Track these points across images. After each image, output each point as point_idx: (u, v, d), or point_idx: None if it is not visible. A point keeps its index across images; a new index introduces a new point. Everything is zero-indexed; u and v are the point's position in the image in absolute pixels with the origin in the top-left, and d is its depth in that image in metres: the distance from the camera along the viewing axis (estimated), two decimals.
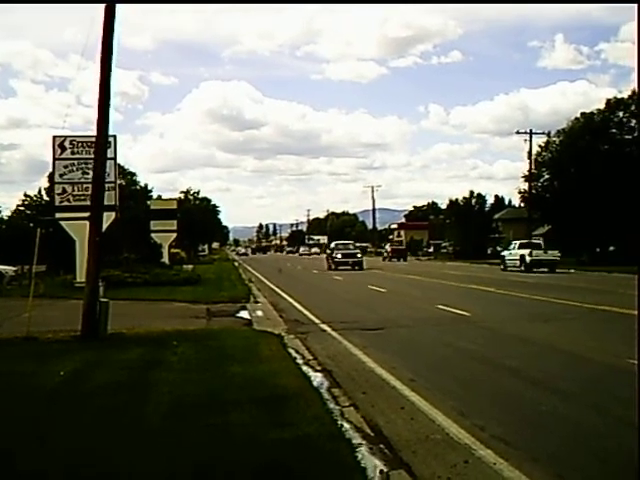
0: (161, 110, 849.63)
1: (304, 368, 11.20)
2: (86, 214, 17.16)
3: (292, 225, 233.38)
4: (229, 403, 8.41)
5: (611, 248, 59.31)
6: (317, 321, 18.17)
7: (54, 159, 29.79)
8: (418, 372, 10.82)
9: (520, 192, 64.85)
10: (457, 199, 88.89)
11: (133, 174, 65.76)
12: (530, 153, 62.44)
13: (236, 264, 73.49)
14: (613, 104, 58.10)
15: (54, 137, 29.85)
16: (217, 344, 13.51)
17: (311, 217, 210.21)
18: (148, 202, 59.88)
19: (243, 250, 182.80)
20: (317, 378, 10.42)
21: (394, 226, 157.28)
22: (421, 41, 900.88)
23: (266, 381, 9.76)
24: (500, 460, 6.42)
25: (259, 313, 20.50)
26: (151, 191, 69.73)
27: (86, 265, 15.31)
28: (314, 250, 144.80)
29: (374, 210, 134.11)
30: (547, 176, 62.55)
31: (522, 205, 71.36)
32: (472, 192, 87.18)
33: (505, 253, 53.04)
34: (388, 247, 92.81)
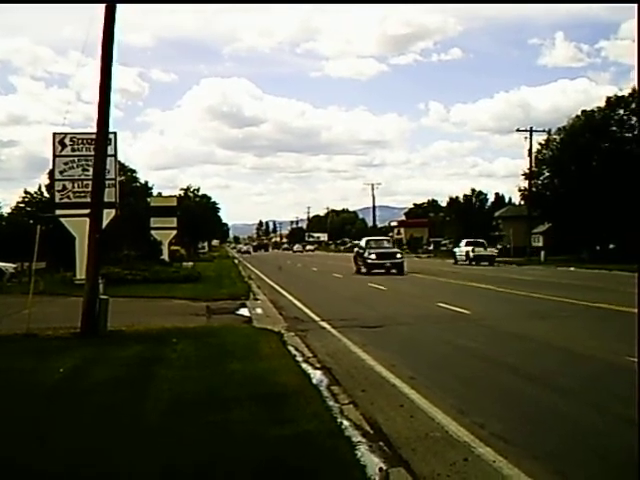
0: (161, 107, 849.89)
1: (304, 365, 11.20)
2: (86, 211, 17.17)
3: (292, 222, 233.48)
4: (229, 400, 8.41)
5: (611, 246, 59.35)
6: (317, 319, 18.18)
7: (54, 156, 29.78)
8: (418, 370, 10.83)
9: (520, 190, 64.89)
10: (457, 197, 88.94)
11: (133, 171, 65.76)
12: (530, 151, 62.48)
13: (236, 261, 73.46)
14: (613, 102, 58.05)
15: (54, 134, 29.84)
16: (217, 341, 13.52)
17: (311, 214, 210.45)
18: (148, 199, 59.86)
19: (245, 247, 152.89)
20: (317, 376, 10.43)
21: (394, 224, 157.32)
22: (421, 38, 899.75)
23: (266, 378, 9.76)
24: (499, 458, 6.42)
25: (259, 311, 20.50)
26: (151, 188, 69.78)
27: (86, 262, 15.33)
28: (308, 248, 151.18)
29: (374, 207, 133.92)
30: (547, 174, 62.52)
31: (522, 203, 71.33)
32: (474, 190, 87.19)
33: (456, 249, 63.52)
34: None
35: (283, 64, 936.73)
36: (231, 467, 6.11)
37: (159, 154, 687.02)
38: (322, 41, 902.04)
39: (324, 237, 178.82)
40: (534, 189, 62.15)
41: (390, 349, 13.03)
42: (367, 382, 10.01)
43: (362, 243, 45.66)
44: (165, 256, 49.02)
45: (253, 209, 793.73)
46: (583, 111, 60.45)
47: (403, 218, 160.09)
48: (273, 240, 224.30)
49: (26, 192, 54.34)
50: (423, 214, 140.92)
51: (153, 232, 51.25)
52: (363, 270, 41.56)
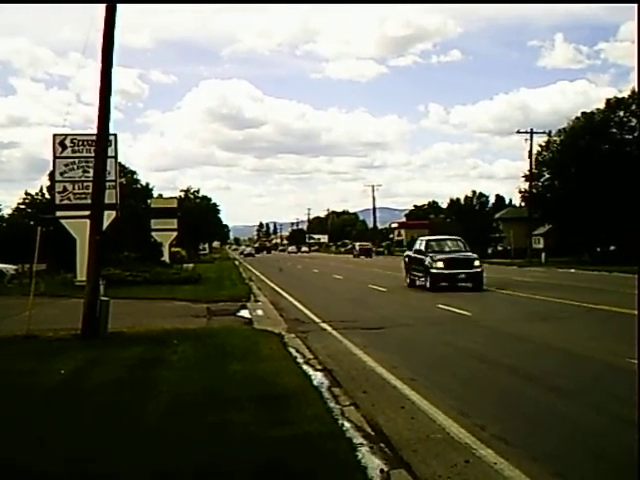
0: (161, 108, 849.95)
1: (304, 367, 11.20)
2: (87, 212, 17.17)
3: (293, 224, 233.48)
4: (229, 402, 8.42)
5: (612, 247, 59.32)
6: (317, 320, 18.18)
7: (55, 157, 29.81)
8: (418, 371, 10.83)
9: (521, 192, 64.84)
10: (458, 198, 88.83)
11: (133, 172, 65.77)
12: (531, 153, 62.42)
13: (236, 263, 73.46)
14: (613, 104, 58.04)
15: (55, 135, 29.87)
16: (217, 343, 13.52)
17: (311, 216, 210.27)
18: (149, 201, 59.88)
19: (248, 249, 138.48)
20: (317, 377, 10.42)
21: (395, 225, 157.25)
22: (421, 40, 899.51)
23: (266, 380, 9.76)
24: (500, 459, 6.42)
25: (259, 312, 20.51)
26: (152, 190, 69.78)
27: (86, 264, 15.33)
28: (304, 249, 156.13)
29: (374, 209, 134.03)
30: (548, 176, 62.48)
31: (523, 204, 71.29)
32: (474, 191, 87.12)
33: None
34: (357, 246, 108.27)
35: (283, 66, 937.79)
36: (231, 468, 6.12)
37: (159, 155, 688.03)
38: (321, 43, 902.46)
39: (324, 239, 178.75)
40: (534, 191, 62.12)
41: (391, 351, 13.03)
42: (368, 384, 10.01)
43: (419, 245, 31.64)
44: (166, 257, 49.03)
45: (253, 211, 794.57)
46: (583, 113, 60.44)
47: (404, 220, 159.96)
48: (274, 242, 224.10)
49: (27, 194, 54.34)
50: (423, 216, 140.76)
51: (154, 234, 51.26)
52: (421, 283, 29.38)
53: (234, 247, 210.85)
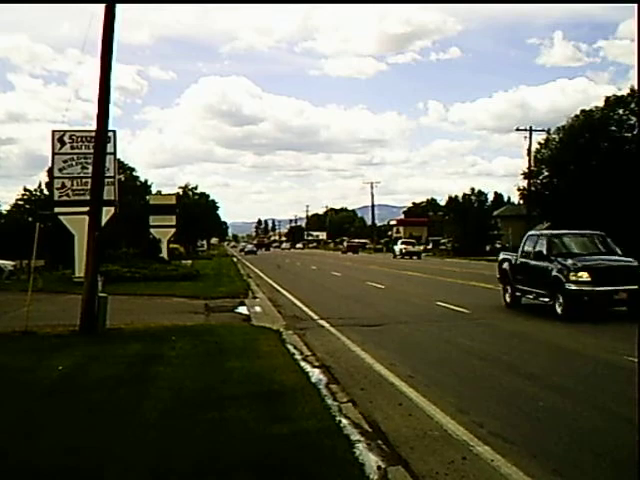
0: (160, 105, 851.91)
1: (302, 364, 11.20)
2: (85, 209, 17.15)
3: (291, 221, 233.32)
4: (227, 398, 8.42)
5: None
6: (315, 317, 18.18)
7: (53, 154, 29.79)
8: (416, 368, 10.84)
9: (519, 189, 64.81)
10: (456, 196, 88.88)
11: (132, 169, 65.78)
12: (530, 150, 62.40)
13: (235, 260, 73.44)
14: (612, 101, 58.01)
15: (53, 131, 29.85)
16: (215, 339, 13.51)
17: (310, 213, 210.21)
18: (147, 197, 59.85)
19: (250, 247, 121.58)
20: (315, 374, 10.43)
21: (393, 222, 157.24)
22: (420, 37, 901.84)
23: (264, 376, 9.77)
24: (498, 457, 6.43)
25: (258, 309, 20.50)
26: (150, 186, 69.81)
27: (85, 260, 15.32)
28: (298, 246, 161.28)
29: (373, 206, 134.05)
30: (547, 173, 62.46)
31: (521, 202, 71.29)
32: (473, 189, 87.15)
33: (395, 247, 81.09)
34: (345, 243, 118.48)
35: (282, 63, 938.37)
36: (230, 465, 6.12)
37: (158, 152, 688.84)
38: (321, 40, 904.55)
39: (323, 236, 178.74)
40: (533, 188, 62.12)
41: (389, 348, 13.04)
42: (366, 380, 10.02)
43: (535, 243, 19.50)
44: (164, 254, 48.97)
45: (252, 207, 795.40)
46: (582, 111, 60.41)
47: (402, 217, 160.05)
48: (272, 238, 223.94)
49: (25, 190, 54.40)
50: (422, 213, 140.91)
51: (152, 230, 51.25)
52: (539, 303, 18.56)
53: (233, 244, 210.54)
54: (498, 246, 79.11)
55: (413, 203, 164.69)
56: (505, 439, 6.98)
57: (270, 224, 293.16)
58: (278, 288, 29.47)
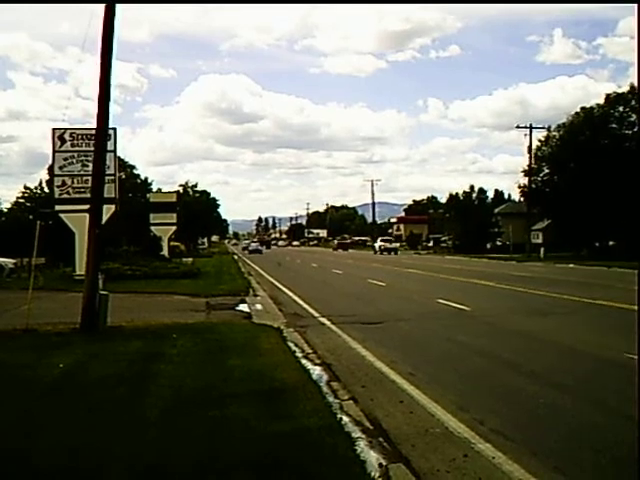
0: (160, 103, 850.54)
1: (303, 361, 11.20)
2: (86, 206, 17.16)
3: (292, 218, 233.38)
4: (228, 396, 8.41)
5: (611, 243, 59.36)
6: (316, 315, 18.18)
7: (54, 151, 29.78)
8: (417, 366, 10.84)
9: (520, 187, 64.84)
10: (457, 193, 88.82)
11: (133, 167, 65.76)
12: (530, 148, 62.45)
13: (235, 257, 73.44)
14: (613, 99, 58.00)
15: (54, 129, 29.84)
16: (216, 337, 13.52)
17: (310, 211, 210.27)
18: (148, 195, 59.87)
19: (254, 245, 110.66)
20: (316, 371, 10.43)
21: (394, 220, 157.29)
22: (419, 35, 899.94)
23: (265, 374, 9.76)
24: (499, 454, 6.43)
25: (258, 306, 20.51)
26: (151, 184, 69.81)
27: (85, 258, 15.31)
28: (295, 243, 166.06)
29: (374, 204, 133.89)
30: (547, 171, 62.49)
31: (522, 200, 71.28)
32: (472, 186, 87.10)
33: (375, 244, 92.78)
34: (336, 241, 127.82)
35: (282, 60, 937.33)
36: (230, 462, 6.11)
37: (158, 150, 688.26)
38: (320, 37, 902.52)
39: (324, 233, 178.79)
40: (534, 186, 62.14)
41: (390, 345, 13.03)
42: (367, 378, 10.02)
43: None
44: (165, 252, 49.00)
45: (252, 205, 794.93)
46: (582, 108, 60.42)
47: (403, 214, 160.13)
48: (272, 236, 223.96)
49: (26, 188, 54.39)
50: (423, 211, 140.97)
51: (153, 228, 51.28)
52: None
53: (234, 242, 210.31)
54: (499, 244, 79.31)
55: (414, 201, 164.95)
56: (506, 436, 6.99)
57: (270, 222, 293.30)
58: (279, 286, 29.48)
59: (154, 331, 14.44)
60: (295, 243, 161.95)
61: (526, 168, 62.62)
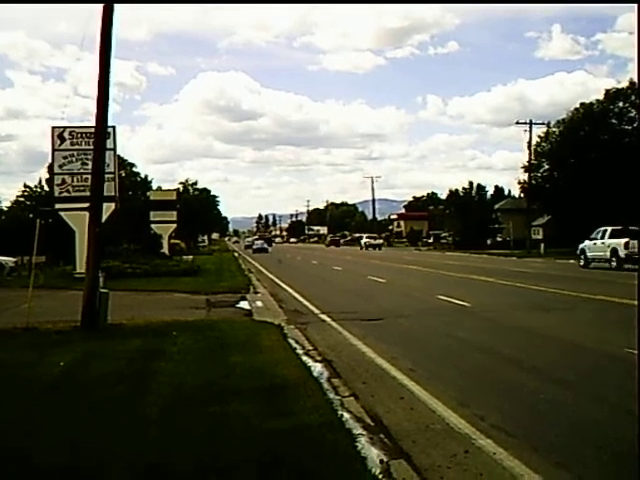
0: (159, 101, 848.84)
1: (304, 358, 11.20)
2: (86, 205, 17.14)
3: (292, 216, 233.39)
4: (229, 393, 8.41)
5: None
6: (317, 311, 18.18)
7: (53, 150, 29.79)
8: (418, 362, 10.83)
9: (520, 182, 64.90)
10: (457, 189, 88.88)
11: (132, 165, 65.77)
12: (530, 143, 62.42)
13: (236, 255, 73.45)
14: (612, 94, 58.01)
15: (53, 128, 29.84)
16: (217, 334, 13.51)
17: (311, 208, 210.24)
18: (148, 193, 59.88)
19: (260, 242, 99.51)
20: (317, 368, 10.43)
21: (394, 216, 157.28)
22: (418, 32, 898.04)
23: (266, 371, 9.76)
24: (500, 450, 6.43)
25: (259, 304, 20.50)
26: (150, 182, 69.83)
27: (86, 256, 15.32)
28: (292, 240, 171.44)
29: (374, 200, 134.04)
30: (547, 166, 62.52)
31: (522, 195, 71.31)
32: (471, 183, 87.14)
33: (361, 240, 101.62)
34: (329, 238, 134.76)
35: (280, 58, 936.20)
36: (230, 459, 6.10)
37: (157, 148, 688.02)
38: (319, 34, 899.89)
39: (324, 230, 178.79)
40: (533, 182, 62.14)
41: (390, 341, 13.03)
42: (367, 374, 10.02)
43: None
44: (165, 250, 49.02)
45: (252, 202, 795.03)
46: (582, 104, 60.43)
47: (403, 211, 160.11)
48: (273, 233, 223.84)
49: (26, 186, 54.40)
50: (422, 207, 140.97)
51: (153, 226, 51.28)
52: None
53: (235, 239, 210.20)
54: (499, 240, 79.33)
55: (413, 197, 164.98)
56: (507, 432, 6.98)
57: (271, 219, 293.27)
58: (279, 283, 29.49)
59: (154, 329, 14.44)
60: (292, 240, 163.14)
61: (526, 164, 62.63)
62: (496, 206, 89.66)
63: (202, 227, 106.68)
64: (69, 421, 7.39)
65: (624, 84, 58.48)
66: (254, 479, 5.77)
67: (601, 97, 58.92)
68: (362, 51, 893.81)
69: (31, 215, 44.04)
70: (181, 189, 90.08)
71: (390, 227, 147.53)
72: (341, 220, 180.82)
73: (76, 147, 29.24)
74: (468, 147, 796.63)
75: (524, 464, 6.06)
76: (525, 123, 63.37)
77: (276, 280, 31.27)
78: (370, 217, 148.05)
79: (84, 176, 27.44)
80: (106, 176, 18.96)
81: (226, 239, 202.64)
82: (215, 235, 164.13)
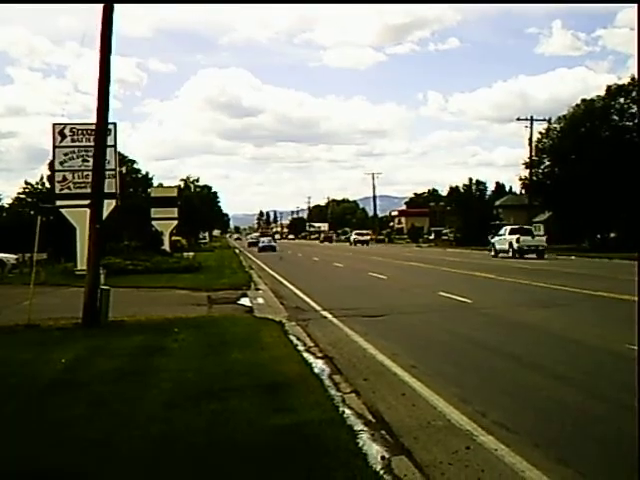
0: (159, 97, 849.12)
1: (305, 355, 11.20)
2: (87, 202, 17.16)
3: (293, 212, 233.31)
4: (230, 389, 8.41)
5: (612, 234, 59.31)
6: (318, 308, 18.18)
7: (54, 147, 29.81)
8: (419, 359, 10.83)
9: (521, 179, 64.82)
10: (457, 186, 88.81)
11: (133, 161, 65.76)
12: (531, 140, 62.33)
13: (237, 252, 73.45)
14: (614, 90, 57.85)
15: (54, 125, 29.88)
16: (218, 331, 13.52)
17: (312, 204, 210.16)
18: (149, 190, 59.91)
19: (266, 240, 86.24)
20: (318, 365, 10.43)
21: (395, 213, 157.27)
22: (419, 28, 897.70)
23: (267, 368, 9.76)
24: (501, 446, 6.42)
25: (260, 300, 20.50)
26: (151, 179, 69.84)
27: (87, 253, 15.33)
28: (290, 236, 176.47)
29: (375, 197, 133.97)
30: (548, 163, 62.36)
31: (523, 192, 71.22)
32: (471, 179, 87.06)
33: (349, 237, 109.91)
34: (322, 235, 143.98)
35: (281, 54, 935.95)
36: (231, 456, 6.11)
37: (158, 145, 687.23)
38: (319, 31, 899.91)
39: (325, 227, 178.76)
40: (535, 178, 62.05)
41: (392, 338, 13.03)
42: (369, 371, 10.02)
43: None
44: (166, 246, 49.06)
45: (253, 199, 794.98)
46: (583, 100, 60.29)
47: (404, 208, 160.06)
48: (274, 230, 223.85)
49: (27, 183, 54.43)
50: (424, 203, 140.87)
51: (154, 222, 51.31)
52: None
53: (236, 236, 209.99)
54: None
55: (415, 194, 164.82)
56: (508, 428, 6.98)
57: (272, 216, 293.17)
58: (280, 279, 29.50)
59: (156, 325, 14.46)
60: (291, 237, 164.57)
61: (527, 160, 62.52)
62: (497, 202, 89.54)
63: (203, 224, 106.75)
64: (70, 418, 7.38)
65: (625, 80, 58.38)
66: (254, 476, 5.77)
67: (602, 93, 58.80)
68: (362, 47, 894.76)
69: (32, 212, 44.09)
70: (183, 186, 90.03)
71: (391, 224, 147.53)
72: (342, 217, 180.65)
73: (77, 144, 29.27)
74: (469, 143, 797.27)
75: (525, 460, 6.06)
76: (526, 119, 63.36)
77: (277, 277, 31.28)
78: (371, 214, 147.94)
79: (85, 173, 27.46)
80: (107, 173, 18.96)
81: (227, 236, 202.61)
82: (216, 232, 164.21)
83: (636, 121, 56.01)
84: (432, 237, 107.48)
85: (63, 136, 29.46)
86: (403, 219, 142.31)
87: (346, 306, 18.22)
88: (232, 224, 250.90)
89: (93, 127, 17.31)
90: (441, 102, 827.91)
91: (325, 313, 17.04)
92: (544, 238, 51.59)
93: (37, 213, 27.64)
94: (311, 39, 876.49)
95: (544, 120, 63.86)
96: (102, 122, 15.37)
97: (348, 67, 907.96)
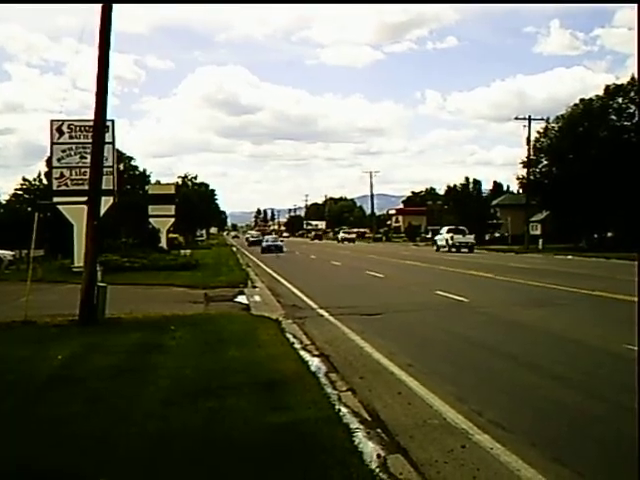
0: (157, 95, 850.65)
1: (302, 353, 11.21)
2: (84, 198, 17.12)
3: (290, 210, 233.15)
4: (227, 387, 8.42)
5: (609, 234, 59.41)
6: (315, 306, 18.18)
7: (52, 143, 29.77)
8: (416, 357, 10.84)
9: (518, 178, 64.86)
10: (455, 185, 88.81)
11: (131, 158, 65.62)
12: (529, 139, 62.36)
13: (234, 249, 73.41)
14: (612, 90, 57.90)
15: (52, 121, 29.83)
16: (215, 329, 13.52)
17: (309, 202, 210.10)
18: (146, 187, 59.85)
19: (272, 238, 75.22)
20: (315, 363, 10.44)
21: (392, 212, 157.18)
22: (417, 26, 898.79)
23: (264, 366, 9.77)
24: (497, 445, 6.43)
25: (257, 298, 20.50)
26: (149, 176, 69.72)
27: (84, 249, 15.30)
28: (285, 234, 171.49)
29: (372, 195, 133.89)
30: (546, 162, 62.44)
31: (521, 191, 71.26)
32: (467, 178, 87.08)
33: (338, 235, 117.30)
34: (313, 233, 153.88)
35: (278, 52, 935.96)
36: (227, 454, 6.12)
37: (156, 142, 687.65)
38: (317, 29, 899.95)
39: (322, 225, 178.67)
40: (532, 177, 62.09)
41: (388, 337, 13.03)
42: (365, 369, 10.03)
43: None
44: (163, 244, 49.04)
45: (251, 197, 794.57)
46: (581, 99, 60.34)
47: (401, 206, 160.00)
48: (272, 228, 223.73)
49: (24, 179, 54.31)
50: (421, 202, 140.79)
51: (151, 220, 51.28)
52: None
53: (233, 234, 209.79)
54: (497, 235, 79.32)
55: (412, 192, 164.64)
56: (504, 427, 6.99)
57: (269, 213, 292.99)
58: (277, 277, 29.49)
59: (153, 323, 14.46)
60: (285, 235, 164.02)
61: (525, 159, 62.57)
62: (495, 201, 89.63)
63: (200, 221, 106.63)
64: (67, 415, 7.37)
65: (623, 80, 58.44)
66: (251, 474, 5.77)
67: (600, 93, 58.85)
68: (360, 45, 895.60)
69: (29, 208, 44.03)
70: (180, 183, 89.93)
71: (388, 222, 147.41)
72: (340, 215, 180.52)
73: (75, 140, 29.24)
74: (467, 142, 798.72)
75: (521, 459, 6.07)
76: (524, 118, 63.34)
77: (274, 275, 31.27)
78: (369, 212, 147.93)
79: (82, 170, 27.44)
80: (104, 170, 18.90)
81: (224, 233, 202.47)
82: (213, 229, 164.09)
83: (634, 121, 56.10)
84: (429, 236, 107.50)
85: (61, 133, 29.42)
86: (400, 218, 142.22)
87: (343, 304, 18.23)
88: (229, 222, 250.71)
89: (91, 124, 17.30)
90: (439, 101, 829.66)
91: (322, 311, 17.05)
92: (472, 236, 62.09)
93: (34, 210, 27.59)
94: (309, 37, 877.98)
95: (542, 119, 63.95)
96: (100, 119, 15.34)
97: (346, 65, 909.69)
